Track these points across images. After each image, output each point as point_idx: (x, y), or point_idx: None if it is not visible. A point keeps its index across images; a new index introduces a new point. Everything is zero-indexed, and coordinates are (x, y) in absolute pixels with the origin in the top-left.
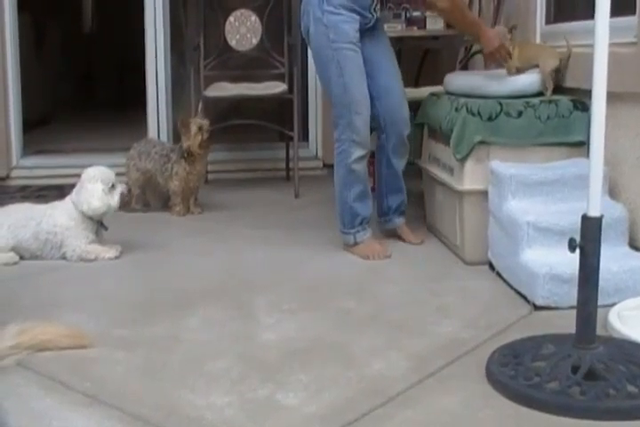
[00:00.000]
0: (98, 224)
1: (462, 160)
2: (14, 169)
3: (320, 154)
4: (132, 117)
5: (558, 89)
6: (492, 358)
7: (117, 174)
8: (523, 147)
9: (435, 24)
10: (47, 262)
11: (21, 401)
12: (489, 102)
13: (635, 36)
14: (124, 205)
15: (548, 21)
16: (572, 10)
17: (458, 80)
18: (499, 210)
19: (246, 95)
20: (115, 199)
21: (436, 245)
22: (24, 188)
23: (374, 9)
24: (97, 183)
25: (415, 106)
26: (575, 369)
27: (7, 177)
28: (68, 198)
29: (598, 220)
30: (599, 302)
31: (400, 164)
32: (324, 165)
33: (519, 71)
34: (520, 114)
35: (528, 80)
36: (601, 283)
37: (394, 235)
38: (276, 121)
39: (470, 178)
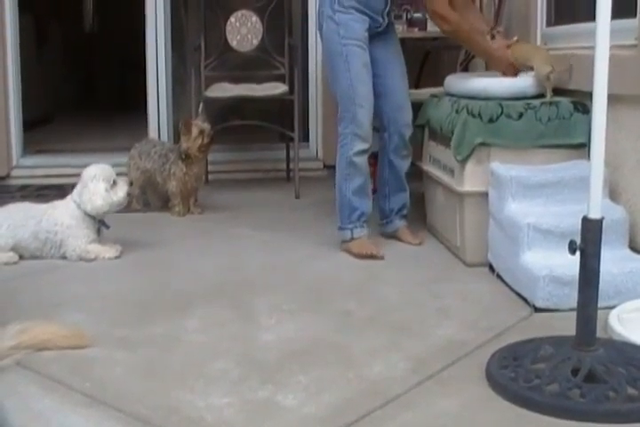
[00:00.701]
0: (99, 223)
1: (463, 162)
2: (14, 168)
3: (320, 155)
4: (132, 117)
5: (559, 91)
6: (491, 360)
7: (118, 174)
8: (523, 149)
9: (436, 26)
10: (47, 262)
11: (21, 401)
12: (490, 104)
13: (635, 39)
14: (128, 203)
15: (548, 23)
16: (573, 12)
17: (459, 82)
18: (499, 212)
19: (247, 96)
20: (119, 195)
21: (436, 246)
22: (24, 187)
23: (386, 13)
24: (99, 182)
25: (416, 107)
26: (575, 371)
27: (7, 176)
28: (69, 198)
29: (599, 222)
30: (599, 305)
31: (402, 165)
32: (325, 166)
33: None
34: (521, 116)
35: (528, 82)
36: (601, 285)
37: (393, 237)
38: (277, 122)
39: (471, 180)
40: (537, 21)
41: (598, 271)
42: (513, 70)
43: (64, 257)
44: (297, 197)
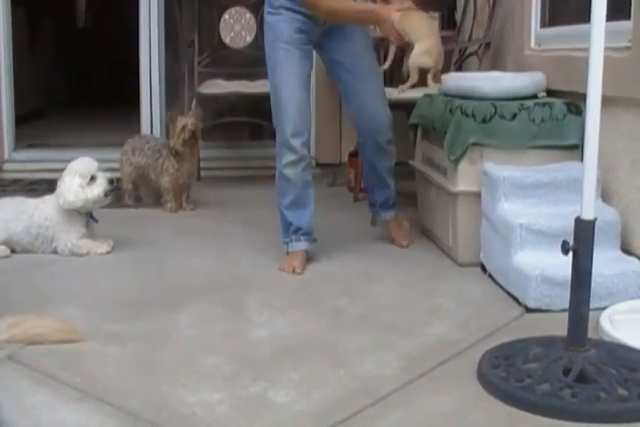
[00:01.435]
0: (87, 217)
1: (456, 161)
2: (6, 162)
3: (313, 153)
4: (124, 113)
5: (552, 92)
6: (483, 359)
7: (110, 170)
8: (516, 149)
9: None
10: (39, 256)
11: (11, 395)
12: (483, 104)
13: (629, 41)
14: (118, 199)
15: (542, 25)
16: (567, 13)
17: (452, 81)
18: (491, 212)
19: (240, 93)
20: (94, 192)
21: (428, 246)
22: (16, 181)
23: None
24: (74, 177)
25: (409, 107)
26: (566, 372)
27: None
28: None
29: (591, 222)
30: (591, 306)
31: (382, 165)
32: (317, 164)
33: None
34: (514, 116)
35: (522, 82)
36: (593, 286)
37: (386, 237)
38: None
39: (464, 179)
40: (531, 23)
41: (590, 272)
42: (396, 35)
43: (56, 252)
44: None
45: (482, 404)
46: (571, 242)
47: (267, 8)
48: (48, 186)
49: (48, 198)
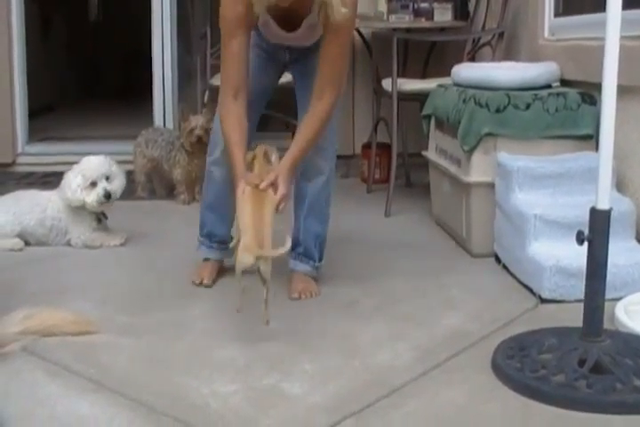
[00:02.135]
0: (97, 213)
1: (469, 152)
2: (19, 156)
3: None
4: (137, 106)
5: (567, 82)
6: (497, 350)
7: (123, 162)
8: (530, 139)
9: (442, 16)
10: (52, 249)
11: (26, 386)
12: (497, 94)
13: None
14: (132, 191)
15: (556, 14)
16: (581, 2)
17: (466, 72)
18: (505, 202)
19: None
20: (91, 198)
21: (442, 237)
22: (29, 174)
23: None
24: (77, 176)
25: (422, 97)
26: (582, 362)
27: (13, 163)
28: None
29: (607, 213)
30: (606, 296)
31: (304, 188)
32: None
33: None
34: (528, 106)
35: (536, 72)
36: (608, 277)
37: (400, 228)
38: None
39: (477, 170)
40: (545, 12)
41: (606, 262)
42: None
43: (69, 244)
44: None
45: (496, 395)
46: (586, 232)
47: None
48: (62, 179)
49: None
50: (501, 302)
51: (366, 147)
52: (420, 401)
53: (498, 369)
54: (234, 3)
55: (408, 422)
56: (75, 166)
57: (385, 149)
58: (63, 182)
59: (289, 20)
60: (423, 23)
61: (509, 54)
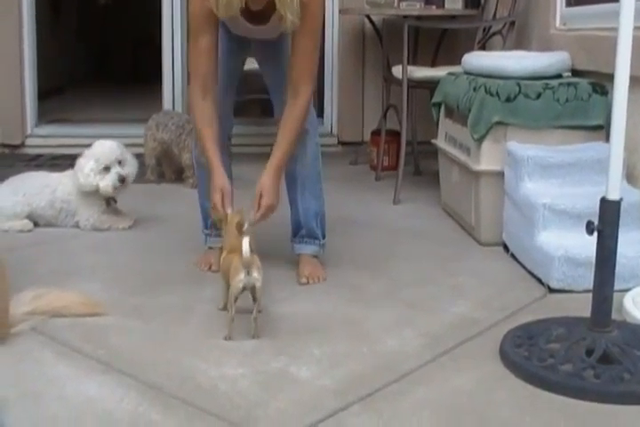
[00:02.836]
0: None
1: (479, 140)
2: (28, 137)
3: (335, 131)
4: (146, 89)
5: (578, 72)
6: (505, 338)
7: (133, 145)
8: (540, 129)
9: (453, 3)
10: (61, 230)
11: (36, 366)
12: (508, 83)
13: None
14: (141, 175)
15: (568, 4)
16: None
17: (476, 60)
18: (515, 191)
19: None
20: (105, 182)
21: (450, 225)
22: (38, 156)
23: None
24: (89, 161)
25: (432, 85)
26: (589, 352)
27: (22, 145)
28: None
29: (617, 203)
30: (614, 287)
31: (293, 168)
32: (339, 142)
33: None
34: (539, 96)
35: (547, 62)
36: (617, 268)
37: (409, 214)
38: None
39: (487, 158)
40: (556, 1)
41: (615, 252)
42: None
43: (78, 226)
44: None
45: (504, 383)
46: (595, 222)
47: None
48: (70, 161)
49: (71, 173)
50: (509, 291)
51: (375, 134)
52: (428, 388)
53: (506, 358)
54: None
55: (416, 409)
56: (86, 151)
57: (394, 136)
58: (76, 168)
59: (258, 14)
60: (434, 11)
61: (520, 43)
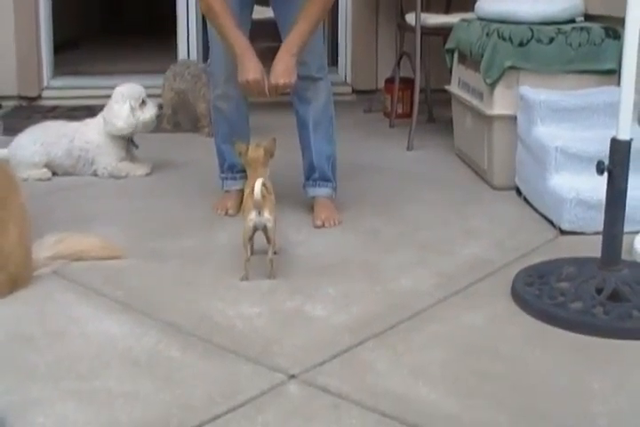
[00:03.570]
0: (128, 142)
1: (492, 85)
2: (45, 89)
3: (349, 79)
4: (160, 42)
5: (590, 16)
6: (517, 277)
7: (149, 96)
8: (553, 73)
9: None
10: (79, 178)
11: (58, 307)
12: (520, 28)
13: None
14: (158, 123)
15: None
16: None
17: (489, 6)
18: (527, 135)
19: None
20: (145, 115)
21: (463, 169)
22: (54, 108)
23: None
24: (125, 103)
25: (446, 32)
26: (599, 290)
27: (38, 97)
28: (99, 115)
29: (627, 143)
30: (625, 229)
31: (305, 111)
32: (354, 91)
33: None
34: (551, 40)
35: (560, 7)
36: (627, 210)
37: (422, 160)
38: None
39: (500, 103)
40: None
41: (625, 192)
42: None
43: (96, 174)
44: None
45: (515, 320)
46: (606, 162)
47: None
48: (87, 112)
49: (90, 121)
50: (522, 233)
51: (389, 81)
52: (440, 324)
53: (517, 296)
54: None
55: (429, 344)
56: (113, 98)
57: (408, 83)
58: (109, 115)
59: None
60: None
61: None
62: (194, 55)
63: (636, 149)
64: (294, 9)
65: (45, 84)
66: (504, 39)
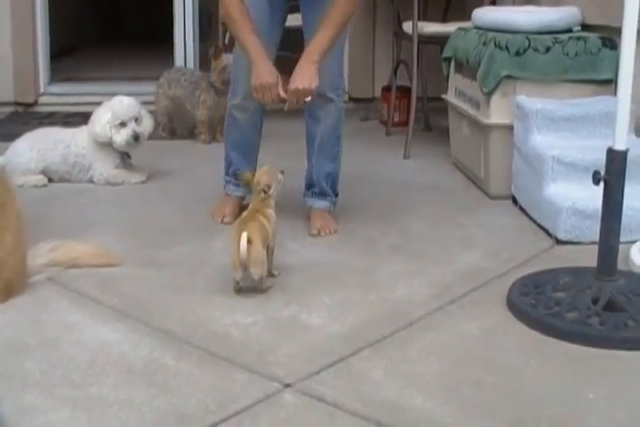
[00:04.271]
0: (121, 152)
1: (489, 94)
2: (42, 96)
3: (346, 87)
4: (157, 48)
5: (587, 26)
6: (513, 287)
7: (144, 103)
8: (549, 82)
9: None
10: (75, 185)
11: (53, 314)
12: (517, 37)
13: None
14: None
15: None
16: None
17: (486, 15)
18: (524, 144)
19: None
20: (120, 137)
21: (460, 178)
22: (51, 114)
23: None
24: (107, 113)
25: (443, 40)
26: (595, 300)
27: (35, 103)
28: None
29: (623, 153)
30: (621, 239)
31: (314, 129)
32: (350, 99)
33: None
34: (548, 49)
35: (557, 16)
36: (623, 220)
37: (419, 169)
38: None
39: (496, 112)
40: None
41: (621, 202)
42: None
43: (92, 181)
44: None
45: (511, 329)
46: (602, 172)
47: None
48: (83, 119)
49: (85, 128)
50: (518, 243)
51: (386, 90)
52: (435, 334)
53: (513, 305)
54: None
55: (424, 353)
56: (105, 103)
57: (405, 92)
58: (93, 117)
59: None
60: None
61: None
62: (190, 63)
63: (633, 159)
64: (320, 14)
65: (42, 90)
66: (501, 48)
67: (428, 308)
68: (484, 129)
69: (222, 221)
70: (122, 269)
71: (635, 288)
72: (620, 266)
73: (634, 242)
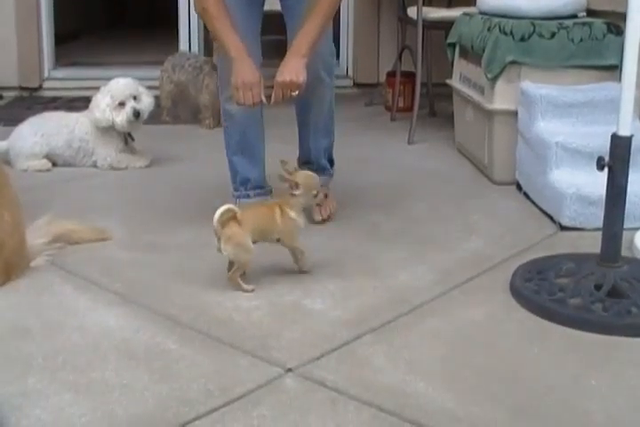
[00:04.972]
0: (125, 134)
1: (493, 80)
2: (46, 80)
3: (350, 72)
4: (162, 34)
5: (593, 12)
6: (516, 273)
7: (149, 88)
8: (554, 68)
9: None
10: (79, 170)
11: (56, 298)
12: (522, 22)
13: None
14: (157, 116)
15: None
16: None
17: (491, 0)
18: (528, 130)
19: (277, 11)
20: (120, 117)
21: (464, 164)
22: (55, 99)
23: None
24: (105, 96)
25: (447, 26)
26: (598, 286)
27: (39, 88)
28: None
29: (628, 139)
30: (625, 226)
31: (307, 110)
32: (355, 84)
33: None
34: (553, 35)
35: (562, 1)
36: (627, 206)
37: (422, 155)
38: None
39: (501, 98)
40: None
41: (626, 188)
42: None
43: (95, 166)
44: None
45: (514, 315)
46: (606, 158)
47: None
48: (87, 103)
49: (89, 113)
50: (521, 229)
51: (391, 75)
52: (438, 319)
53: (516, 291)
54: None
55: (426, 339)
56: (102, 88)
57: (409, 77)
58: (92, 103)
59: None
60: None
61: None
62: (195, 48)
63: (637, 145)
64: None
65: (46, 75)
66: (505, 34)
67: (430, 294)
68: (488, 115)
69: None
70: (124, 253)
71: (638, 275)
72: (624, 252)
73: (638, 228)
